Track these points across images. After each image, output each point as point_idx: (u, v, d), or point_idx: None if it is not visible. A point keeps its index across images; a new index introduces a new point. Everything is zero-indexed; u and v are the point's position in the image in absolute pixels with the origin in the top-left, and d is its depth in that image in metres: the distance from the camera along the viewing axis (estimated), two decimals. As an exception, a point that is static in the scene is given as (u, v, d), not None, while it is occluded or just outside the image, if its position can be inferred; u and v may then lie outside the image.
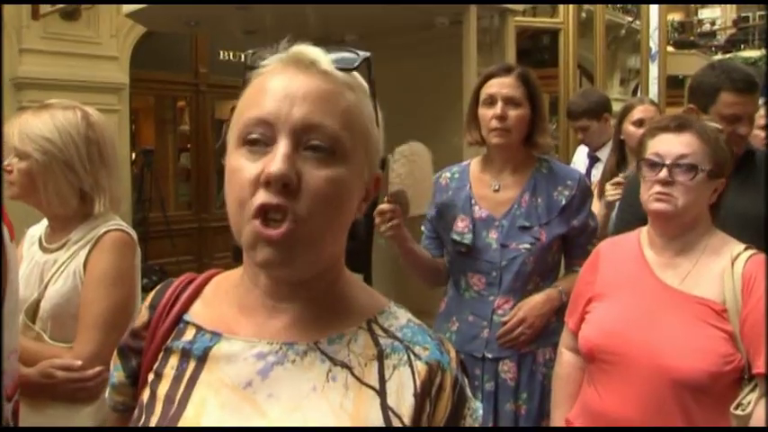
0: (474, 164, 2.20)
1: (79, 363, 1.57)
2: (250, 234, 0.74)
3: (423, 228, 2.25)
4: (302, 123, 0.74)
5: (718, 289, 1.52)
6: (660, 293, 1.58)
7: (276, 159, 0.72)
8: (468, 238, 2.05)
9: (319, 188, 0.74)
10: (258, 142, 0.75)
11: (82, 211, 1.72)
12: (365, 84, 0.83)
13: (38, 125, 1.68)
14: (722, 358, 1.46)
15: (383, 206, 1.89)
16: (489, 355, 2.02)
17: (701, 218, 1.60)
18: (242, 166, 0.75)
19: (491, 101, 2.04)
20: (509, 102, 2.02)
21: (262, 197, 0.72)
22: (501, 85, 2.04)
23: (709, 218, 1.62)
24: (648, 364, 1.51)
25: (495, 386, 2.02)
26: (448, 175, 2.20)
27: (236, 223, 0.76)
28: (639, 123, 2.91)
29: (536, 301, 2.02)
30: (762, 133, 2.85)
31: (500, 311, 2.04)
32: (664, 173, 1.55)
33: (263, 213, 0.73)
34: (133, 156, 8.09)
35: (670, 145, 1.57)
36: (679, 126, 1.60)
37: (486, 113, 2.05)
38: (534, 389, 2.02)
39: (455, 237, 2.06)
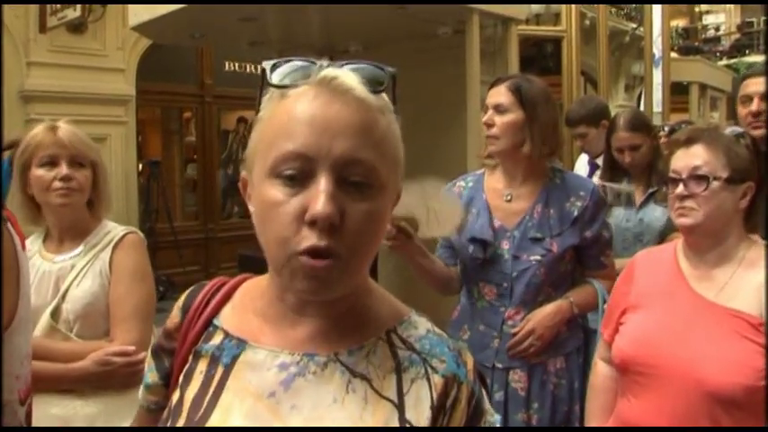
0: (488, 173, 2.19)
1: (134, 348, 1.71)
2: (294, 268, 0.74)
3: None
4: (344, 159, 0.73)
5: (756, 302, 1.48)
6: (695, 306, 1.55)
7: (321, 199, 0.71)
8: (491, 249, 2.04)
9: (361, 225, 0.74)
10: (297, 175, 0.74)
11: (92, 218, 1.86)
12: (389, 99, 0.81)
13: (86, 136, 1.85)
14: (757, 372, 1.42)
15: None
16: (499, 365, 2.01)
17: (732, 227, 1.58)
18: (280, 201, 0.74)
19: (486, 110, 2.08)
20: (496, 109, 2.04)
21: (309, 239, 0.72)
22: (491, 95, 2.07)
23: (741, 227, 1.60)
24: (681, 377, 1.48)
25: (505, 396, 2.00)
26: (462, 183, 2.20)
27: (275, 256, 0.76)
28: (620, 151, 2.86)
29: (546, 313, 2.00)
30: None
31: (510, 322, 2.02)
32: (680, 188, 1.57)
33: (310, 252, 0.73)
34: (140, 167, 8.13)
35: (683, 159, 1.59)
36: (688, 140, 1.61)
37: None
38: (545, 399, 2.00)
39: (490, 244, 2.05)
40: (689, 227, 1.57)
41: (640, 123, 2.90)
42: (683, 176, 1.57)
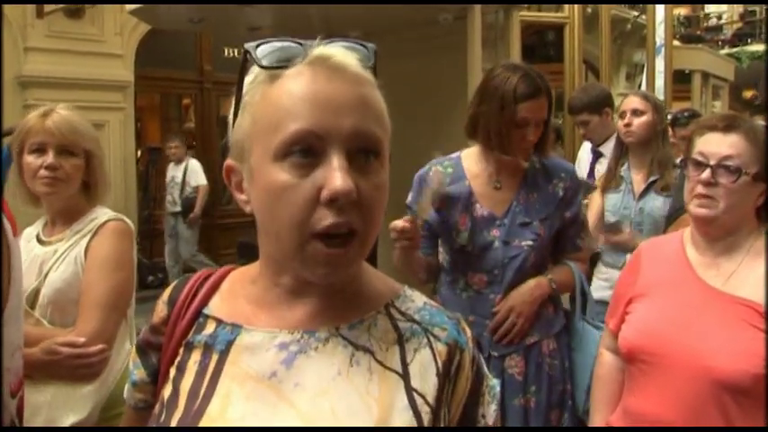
0: (466, 159, 2.11)
1: (82, 339, 1.63)
2: (312, 254, 0.73)
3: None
4: (352, 133, 0.73)
5: (763, 291, 1.46)
6: (702, 294, 1.53)
7: (337, 176, 0.71)
8: (464, 237, 2.02)
9: (373, 199, 0.74)
10: (306, 156, 0.72)
11: (87, 205, 1.82)
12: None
13: (84, 122, 1.80)
14: (765, 360, 1.41)
15: (405, 225, 1.82)
16: (495, 353, 2.01)
17: (746, 220, 1.56)
18: (291, 184, 0.72)
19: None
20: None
21: (328, 218, 0.71)
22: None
23: (754, 220, 1.57)
24: (689, 365, 1.47)
25: (502, 382, 1.99)
26: (440, 168, 2.10)
27: (287, 242, 0.74)
28: (622, 115, 2.91)
29: (524, 289, 2.00)
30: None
31: (498, 308, 2.03)
32: (707, 173, 1.51)
33: (328, 234, 0.72)
34: (139, 153, 8.11)
35: (716, 145, 1.52)
36: (727, 126, 1.54)
37: None
38: (542, 381, 2.01)
39: (463, 234, 2.03)
40: (707, 218, 1.54)
41: (651, 97, 3.01)
42: (711, 163, 1.51)
